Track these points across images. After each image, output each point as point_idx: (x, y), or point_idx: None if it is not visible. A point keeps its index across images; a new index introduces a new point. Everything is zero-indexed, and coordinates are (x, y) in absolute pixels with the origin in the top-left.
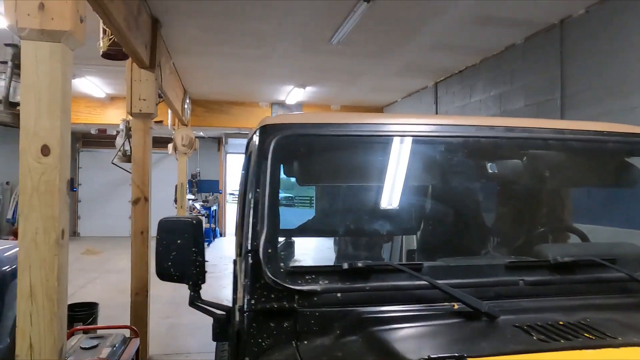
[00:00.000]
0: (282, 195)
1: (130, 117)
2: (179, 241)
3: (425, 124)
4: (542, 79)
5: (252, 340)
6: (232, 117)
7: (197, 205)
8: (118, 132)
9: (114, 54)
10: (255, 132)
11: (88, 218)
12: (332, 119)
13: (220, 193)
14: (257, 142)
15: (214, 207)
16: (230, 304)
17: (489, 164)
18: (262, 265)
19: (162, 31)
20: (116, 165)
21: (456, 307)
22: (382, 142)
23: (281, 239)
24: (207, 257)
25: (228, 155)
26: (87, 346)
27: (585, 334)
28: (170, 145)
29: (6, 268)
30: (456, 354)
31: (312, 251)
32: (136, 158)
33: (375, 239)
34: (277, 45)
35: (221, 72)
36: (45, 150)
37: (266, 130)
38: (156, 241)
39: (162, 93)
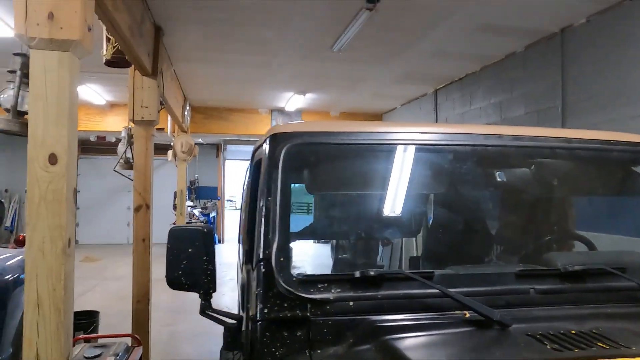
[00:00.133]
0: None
1: (132, 125)
2: (190, 250)
3: (436, 133)
4: (543, 86)
5: (265, 350)
6: (232, 123)
7: (196, 211)
8: (119, 139)
9: (117, 61)
10: (265, 141)
11: (86, 225)
12: (342, 127)
13: (219, 199)
14: (267, 151)
15: (212, 214)
16: (230, 312)
17: (497, 172)
18: (274, 274)
19: (164, 39)
20: (118, 172)
21: (467, 315)
22: (393, 150)
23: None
24: None
25: (227, 161)
26: (90, 355)
27: (599, 344)
28: (169, 152)
29: (8, 277)
30: None
31: (320, 258)
32: (138, 165)
33: (385, 247)
34: (279, 53)
35: (222, 79)
36: (52, 159)
37: (276, 139)
38: (167, 250)
39: (163, 100)
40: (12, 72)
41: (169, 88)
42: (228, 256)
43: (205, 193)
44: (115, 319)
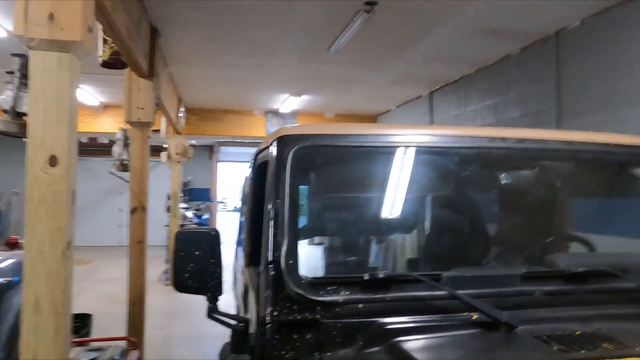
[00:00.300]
0: None
1: (128, 126)
2: (197, 252)
3: (447, 135)
4: (538, 88)
5: (275, 353)
6: (226, 125)
7: (189, 213)
8: (112, 141)
9: (113, 63)
10: (271, 143)
11: (77, 227)
12: (350, 129)
13: (212, 201)
14: (274, 153)
15: (205, 216)
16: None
17: (502, 175)
18: (283, 276)
19: (160, 40)
20: (114, 174)
21: (474, 317)
22: (401, 152)
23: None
24: None
25: (219, 163)
26: (86, 359)
27: (604, 344)
28: (163, 154)
29: (1, 280)
30: None
31: (327, 260)
32: (134, 167)
33: (393, 248)
34: (275, 55)
35: (217, 80)
36: (52, 161)
37: (284, 141)
38: (173, 253)
39: (158, 102)
40: (10, 72)
41: (164, 89)
42: (223, 258)
43: (198, 195)
44: (108, 322)
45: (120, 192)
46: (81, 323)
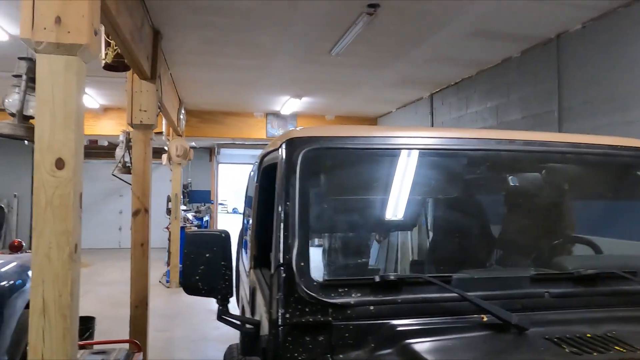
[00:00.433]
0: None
1: (130, 129)
2: (207, 255)
3: (457, 138)
4: (539, 91)
5: (287, 355)
6: (226, 127)
7: (189, 215)
8: (112, 143)
9: (116, 65)
10: (280, 146)
11: None
12: (359, 131)
13: (212, 203)
14: (284, 155)
15: (206, 218)
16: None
17: (510, 177)
18: (295, 278)
19: (162, 43)
20: (116, 176)
21: (485, 319)
22: (410, 154)
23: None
24: None
25: (220, 165)
26: None
27: (616, 347)
28: (164, 156)
29: (4, 284)
30: None
31: (336, 263)
32: (136, 169)
33: (402, 250)
34: (277, 57)
35: (218, 82)
36: (59, 164)
37: (293, 143)
38: (183, 255)
39: (160, 104)
40: (18, 76)
41: (166, 92)
42: None
43: (199, 197)
44: (109, 325)
45: (120, 195)
46: (84, 326)
